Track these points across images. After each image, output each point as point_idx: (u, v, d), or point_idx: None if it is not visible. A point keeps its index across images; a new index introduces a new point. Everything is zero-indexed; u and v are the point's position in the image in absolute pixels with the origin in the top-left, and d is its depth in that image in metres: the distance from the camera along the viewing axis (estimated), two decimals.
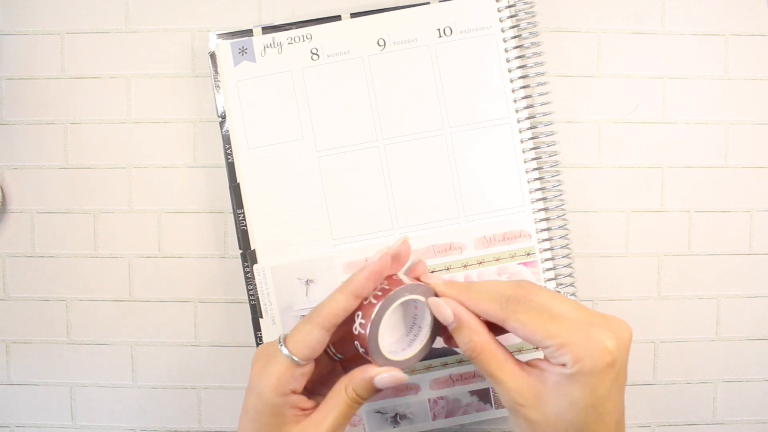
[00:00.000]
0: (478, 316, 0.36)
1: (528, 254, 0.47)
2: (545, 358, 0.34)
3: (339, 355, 0.40)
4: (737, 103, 0.49)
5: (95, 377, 0.50)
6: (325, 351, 0.39)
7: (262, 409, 0.36)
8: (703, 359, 0.50)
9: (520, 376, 0.34)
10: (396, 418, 0.48)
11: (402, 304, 0.37)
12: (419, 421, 0.48)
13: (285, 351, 0.36)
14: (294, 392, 0.36)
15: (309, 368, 0.37)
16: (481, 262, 0.47)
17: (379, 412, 0.48)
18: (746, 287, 0.50)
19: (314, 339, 0.36)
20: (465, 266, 0.47)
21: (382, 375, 0.36)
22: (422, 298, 0.37)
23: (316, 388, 0.39)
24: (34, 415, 0.51)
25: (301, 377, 0.36)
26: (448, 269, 0.47)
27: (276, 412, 0.36)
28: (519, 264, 0.47)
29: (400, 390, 0.47)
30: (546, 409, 0.33)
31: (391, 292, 0.36)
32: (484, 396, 0.48)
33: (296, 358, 0.35)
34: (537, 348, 0.36)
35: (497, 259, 0.47)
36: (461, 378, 0.47)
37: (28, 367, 0.51)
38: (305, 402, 0.37)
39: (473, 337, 0.35)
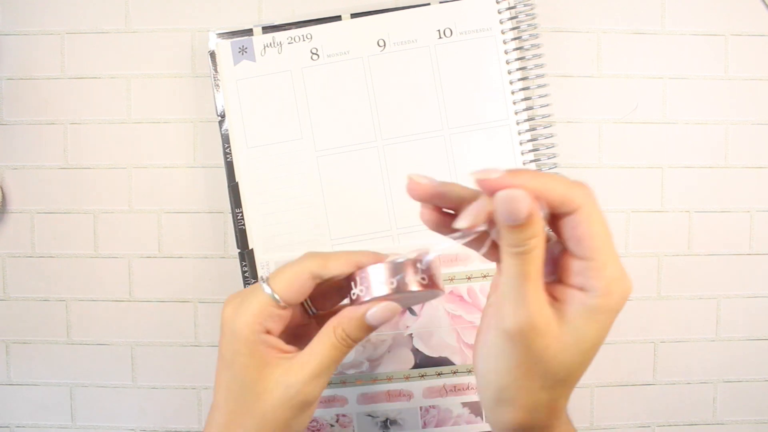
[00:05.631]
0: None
1: None
2: (564, 281, 0.30)
3: (314, 310, 0.38)
4: (737, 103, 0.49)
5: (95, 377, 0.50)
6: (301, 303, 0.38)
7: (238, 349, 0.33)
8: (703, 359, 0.50)
9: (543, 298, 0.29)
10: (386, 423, 0.48)
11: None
12: (409, 428, 0.48)
13: (268, 289, 0.34)
14: (271, 333, 0.34)
15: (287, 314, 0.35)
16: (485, 276, 0.47)
17: (369, 415, 0.48)
18: (746, 287, 0.50)
19: (302, 283, 0.34)
20: (469, 278, 0.47)
21: (373, 309, 0.34)
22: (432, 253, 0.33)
23: (290, 340, 0.36)
24: (34, 415, 0.51)
25: (279, 319, 0.34)
26: (451, 280, 0.47)
27: (254, 351, 0.33)
28: None
29: (393, 395, 0.47)
30: (557, 340, 0.29)
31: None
32: (475, 409, 0.47)
33: (278, 297, 0.33)
34: (573, 257, 0.30)
35: None
36: (455, 389, 0.47)
37: (28, 367, 0.51)
38: (284, 345, 0.35)
39: (539, 233, 0.28)
